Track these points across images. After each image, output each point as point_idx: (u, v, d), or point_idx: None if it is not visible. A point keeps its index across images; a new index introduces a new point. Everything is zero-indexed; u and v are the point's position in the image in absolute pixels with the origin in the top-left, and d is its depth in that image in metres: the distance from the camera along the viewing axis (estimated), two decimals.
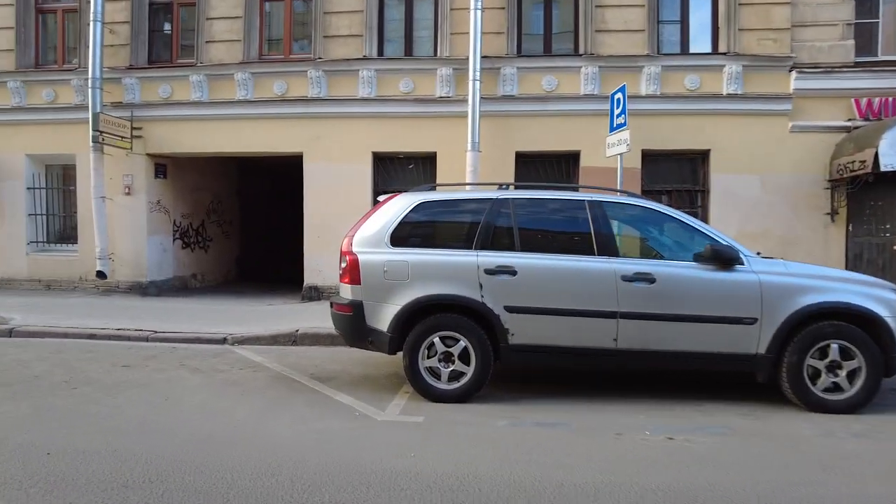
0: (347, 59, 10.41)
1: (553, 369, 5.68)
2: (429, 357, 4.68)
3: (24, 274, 11.65)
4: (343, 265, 4.93)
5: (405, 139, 10.41)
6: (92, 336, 7.44)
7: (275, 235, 16.59)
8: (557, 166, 10.53)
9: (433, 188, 5.28)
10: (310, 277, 10.66)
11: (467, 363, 4.62)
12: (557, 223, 4.92)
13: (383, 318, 4.72)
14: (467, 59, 9.73)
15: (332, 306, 5.08)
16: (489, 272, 4.60)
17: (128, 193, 11.10)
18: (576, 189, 6.33)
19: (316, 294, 10.59)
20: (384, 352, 4.76)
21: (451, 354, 4.64)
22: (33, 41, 11.71)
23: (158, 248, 11.44)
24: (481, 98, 9.78)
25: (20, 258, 11.66)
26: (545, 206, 4.90)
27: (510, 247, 4.71)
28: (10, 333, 7.60)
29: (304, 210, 10.67)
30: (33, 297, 10.46)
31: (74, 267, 11.40)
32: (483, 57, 9.77)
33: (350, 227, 5.19)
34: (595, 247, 4.64)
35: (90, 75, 10.51)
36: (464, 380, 4.63)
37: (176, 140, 10.98)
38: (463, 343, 4.61)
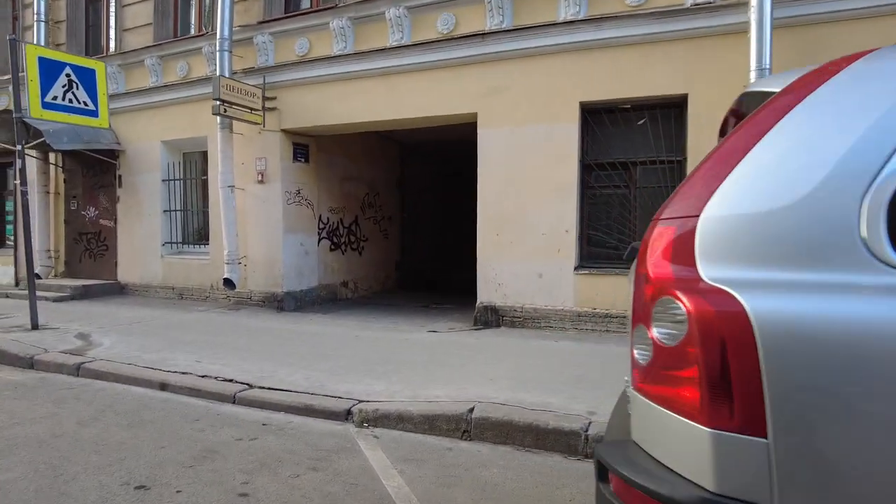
0: None
1: None
2: None
3: (158, 279, 10.04)
4: (668, 340, 1.27)
5: (633, 78, 6.58)
6: (164, 385, 4.85)
7: (443, 234, 13.76)
8: None
9: None
10: (485, 293, 7.31)
11: None
12: None
13: None
14: None
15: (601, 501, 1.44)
16: None
17: (261, 181, 8.80)
18: None
19: (494, 318, 7.21)
20: None
21: None
22: (172, 10, 10.03)
23: (297, 250, 8.99)
24: None
25: (156, 261, 10.06)
26: None
27: None
28: (78, 371, 5.37)
29: (477, 198, 7.37)
30: (155, 310, 8.59)
31: (206, 272, 9.45)
32: None
33: (670, 199, 1.45)
34: None
35: (218, 36, 8.37)
36: None
37: (315, 110, 8.40)
38: None
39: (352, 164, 10.42)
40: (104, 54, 10.59)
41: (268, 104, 8.65)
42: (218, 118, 8.47)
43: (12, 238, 12.04)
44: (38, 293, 9.73)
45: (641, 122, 6.80)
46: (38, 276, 10.75)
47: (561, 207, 6.87)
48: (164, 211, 10.01)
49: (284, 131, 8.72)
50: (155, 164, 9.99)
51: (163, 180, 9.98)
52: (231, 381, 4.81)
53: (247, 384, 4.71)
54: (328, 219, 9.84)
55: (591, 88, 6.75)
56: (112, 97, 10.16)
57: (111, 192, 10.53)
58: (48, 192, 10.95)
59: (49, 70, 7.28)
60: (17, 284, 11.55)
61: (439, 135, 10.72)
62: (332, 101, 8.26)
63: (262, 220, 8.84)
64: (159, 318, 7.96)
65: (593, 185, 7.03)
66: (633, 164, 6.84)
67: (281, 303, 8.70)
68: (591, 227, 7.05)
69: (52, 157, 10.97)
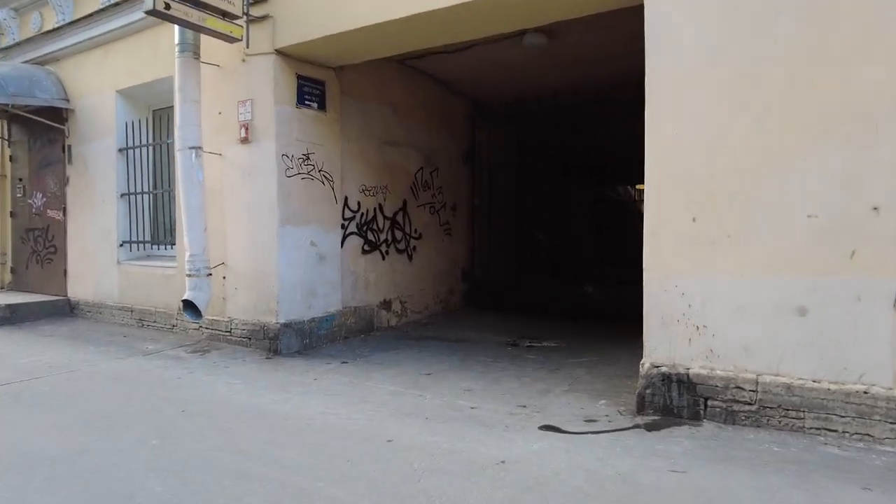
0: None
1: None
2: None
3: (114, 296, 6.78)
4: None
5: None
6: None
7: (531, 231, 10.03)
8: None
9: None
10: (663, 343, 3.45)
11: None
12: None
13: None
14: None
15: None
16: None
17: (244, 139, 5.32)
18: None
19: (687, 401, 3.36)
20: None
21: None
22: None
23: (304, 254, 5.45)
24: None
25: (111, 269, 6.81)
26: None
27: None
28: None
29: (645, 146, 3.51)
30: (77, 350, 5.27)
31: (172, 288, 6.07)
32: None
33: None
34: None
35: None
36: None
37: (330, 8, 4.80)
38: None
39: (398, 119, 6.82)
40: None
41: (254, 10, 5.16)
42: (176, 35, 5.08)
43: None
44: None
45: None
46: None
47: (857, 155, 2.95)
48: (122, 195, 6.74)
49: (281, 54, 5.20)
50: (108, 127, 6.75)
51: (119, 149, 6.71)
52: None
53: None
54: (359, 203, 6.25)
55: None
56: (56, 32, 7.03)
57: (59, 170, 7.39)
58: None
59: None
60: None
61: (529, 79, 6.99)
62: None
63: (246, 205, 5.36)
64: (63, 369, 4.60)
65: None
66: None
67: (274, 341, 5.17)
68: None
69: None
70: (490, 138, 8.63)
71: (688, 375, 3.35)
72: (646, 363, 3.50)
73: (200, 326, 5.79)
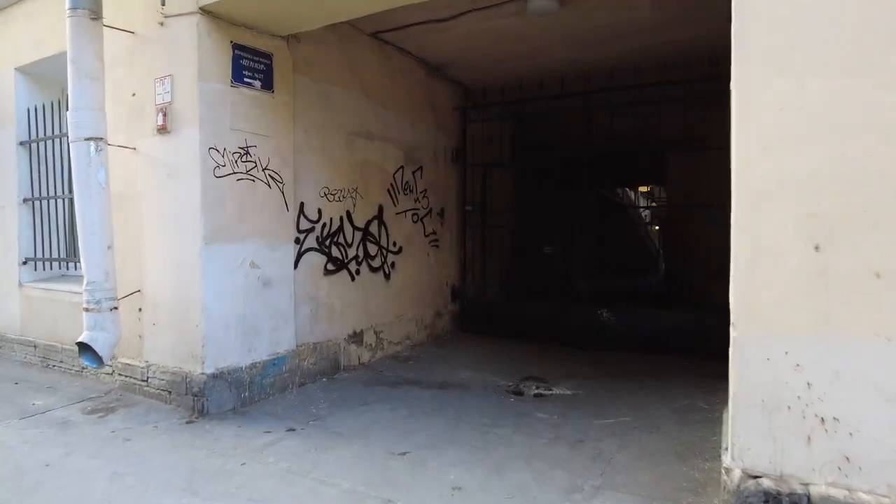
0: None
1: None
2: None
3: (15, 327, 5.44)
4: None
5: None
6: None
7: (533, 242, 8.84)
8: None
9: None
10: (762, 437, 2.21)
11: None
12: None
13: None
14: None
15: None
16: None
17: (162, 129, 4.02)
18: None
19: None
20: None
21: None
22: None
23: (242, 279, 4.15)
24: None
25: (11, 293, 5.47)
26: None
27: None
28: None
29: (732, 127, 2.26)
30: None
31: (79, 316, 4.73)
32: None
33: None
34: None
35: None
36: None
37: None
38: None
39: (372, 107, 5.53)
40: None
41: None
42: None
43: None
44: None
45: None
46: None
47: None
48: (25, 200, 5.40)
49: (209, 14, 3.91)
50: (6, 114, 5.41)
51: (21, 142, 5.37)
52: None
53: None
54: (320, 211, 4.95)
55: None
56: None
57: None
58: None
59: None
60: None
61: (532, 61, 5.76)
62: None
63: (164, 215, 4.06)
64: None
65: None
66: None
67: (200, 398, 3.87)
68: None
69: None
70: (484, 132, 7.35)
71: (808, 497, 2.11)
72: (734, 470, 2.24)
73: (113, 371, 4.48)
